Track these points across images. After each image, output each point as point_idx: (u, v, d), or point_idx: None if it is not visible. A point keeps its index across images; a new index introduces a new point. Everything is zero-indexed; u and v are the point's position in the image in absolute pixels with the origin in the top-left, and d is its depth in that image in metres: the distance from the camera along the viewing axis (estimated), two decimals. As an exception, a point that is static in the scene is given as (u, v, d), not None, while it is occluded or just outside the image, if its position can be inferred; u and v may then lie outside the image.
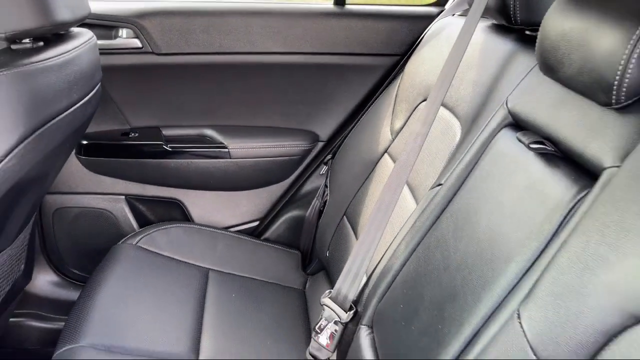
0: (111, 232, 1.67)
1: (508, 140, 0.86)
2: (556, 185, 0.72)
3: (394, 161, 1.31)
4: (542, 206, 0.72)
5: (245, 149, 1.64)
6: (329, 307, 1.10)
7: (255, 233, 1.74)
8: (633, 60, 0.63)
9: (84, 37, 1.15)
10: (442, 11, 1.56)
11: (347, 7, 1.62)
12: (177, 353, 1.15)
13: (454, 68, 1.05)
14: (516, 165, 0.81)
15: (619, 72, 0.64)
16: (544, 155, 0.77)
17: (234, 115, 1.65)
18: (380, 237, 1.05)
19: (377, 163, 1.38)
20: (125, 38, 1.51)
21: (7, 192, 0.94)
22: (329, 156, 1.64)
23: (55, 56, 1.00)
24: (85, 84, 1.11)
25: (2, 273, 1.25)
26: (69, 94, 1.03)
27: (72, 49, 1.06)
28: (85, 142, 1.58)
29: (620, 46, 0.64)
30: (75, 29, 1.18)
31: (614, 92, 0.65)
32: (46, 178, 1.16)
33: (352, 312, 1.07)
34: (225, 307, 1.33)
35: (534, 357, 0.61)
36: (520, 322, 0.64)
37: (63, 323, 1.24)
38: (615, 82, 0.64)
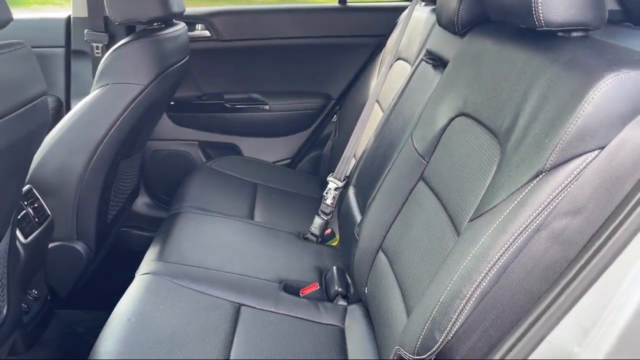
0: (188, 168, 2.39)
1: (422, 64, 1.55)
2: (435, 79, 1.40)
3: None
4: (428, 91, 1.40)
5: (280, 105, 2.37)
6: (331, 181, 1.80)
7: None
8: (460, 8, 1.31)
9: (180, 25, 1.91)
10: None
11: (348, 4, 2.34)
12: (240, 216, 1.85)
13: (401, 34, 1.75)
14: (423, 75, 1.50)
15: (455, 13, 1.32)
16: (435, 66, 1.45)
17: (272, 82, 2.38)
18: (361, 134, 1.75)
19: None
20: (199, 30, 2.26)
21: (146, 109, 1.68)
22: (338, 108, 2.35)
23: (169, 32, 1.75)
24: (183, 51, 1.86)
25: (130, 175, 1.99)
26: (176, 55, 1.78)
27: (177, 30, 1.81)
28: (172, 103, 2.33)
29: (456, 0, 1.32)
30: (174, 21, 1.94)
31: (455, 25, 1.33)
32: (161, 108, 1.91)
33: (345, 181, 1.77)
34: (269, 198, 2.03)
35: (417, 153, 1.28)
36: (412, 140, 1.32)
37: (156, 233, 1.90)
38: (455, 19, 1.32)
